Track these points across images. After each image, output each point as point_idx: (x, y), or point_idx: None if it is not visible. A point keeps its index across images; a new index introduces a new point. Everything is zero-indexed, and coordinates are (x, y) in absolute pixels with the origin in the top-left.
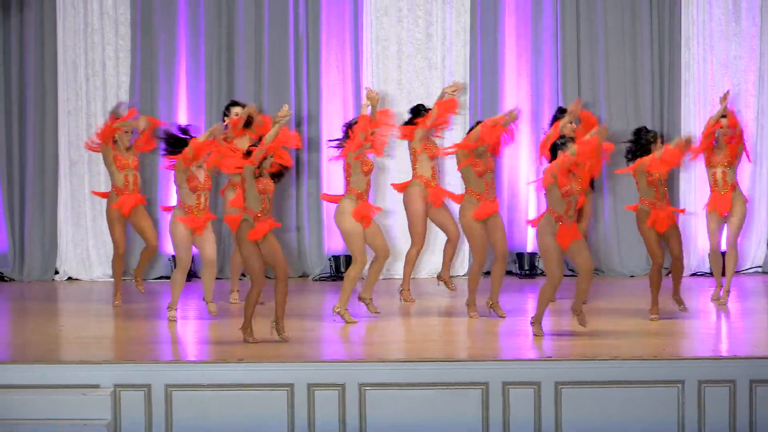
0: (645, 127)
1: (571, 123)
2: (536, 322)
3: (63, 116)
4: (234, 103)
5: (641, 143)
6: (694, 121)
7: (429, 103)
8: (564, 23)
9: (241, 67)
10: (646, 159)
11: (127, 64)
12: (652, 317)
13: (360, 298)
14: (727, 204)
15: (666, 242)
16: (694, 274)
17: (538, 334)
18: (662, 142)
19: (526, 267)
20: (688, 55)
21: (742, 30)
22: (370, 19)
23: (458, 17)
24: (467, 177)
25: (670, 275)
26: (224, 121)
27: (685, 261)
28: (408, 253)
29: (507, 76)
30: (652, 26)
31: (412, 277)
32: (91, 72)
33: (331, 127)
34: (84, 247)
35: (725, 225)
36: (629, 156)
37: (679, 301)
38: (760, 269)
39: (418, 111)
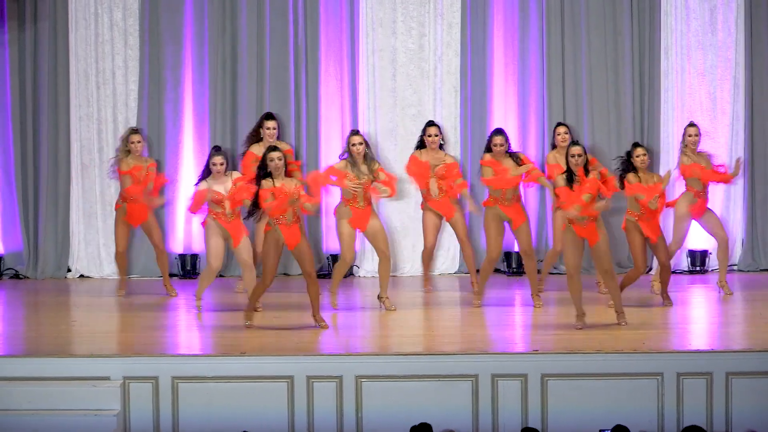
0: (636, 143)
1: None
2: (578, 316)
3: (75, 122)
4: (269, 116)
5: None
6: (672, 127)
7: (419, 108)
8: (549, 35)
9: (244, 76)
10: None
11: (136, 72)
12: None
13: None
14: (701, 210)
15: (653, 251)
16: (672, 272)
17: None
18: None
19: (513, 265)
20: (667, 64)
21: (718, 41)
22: (366, 31)
23: (449, 29)
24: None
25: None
26: (258, 132)
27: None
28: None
29: (495, 85)
30: (633, 37)
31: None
32: (102, 80)
33: (329, 133)
34: (95, 246)
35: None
36: (621, 172)
37: (666, 298)
38: (735, 267)
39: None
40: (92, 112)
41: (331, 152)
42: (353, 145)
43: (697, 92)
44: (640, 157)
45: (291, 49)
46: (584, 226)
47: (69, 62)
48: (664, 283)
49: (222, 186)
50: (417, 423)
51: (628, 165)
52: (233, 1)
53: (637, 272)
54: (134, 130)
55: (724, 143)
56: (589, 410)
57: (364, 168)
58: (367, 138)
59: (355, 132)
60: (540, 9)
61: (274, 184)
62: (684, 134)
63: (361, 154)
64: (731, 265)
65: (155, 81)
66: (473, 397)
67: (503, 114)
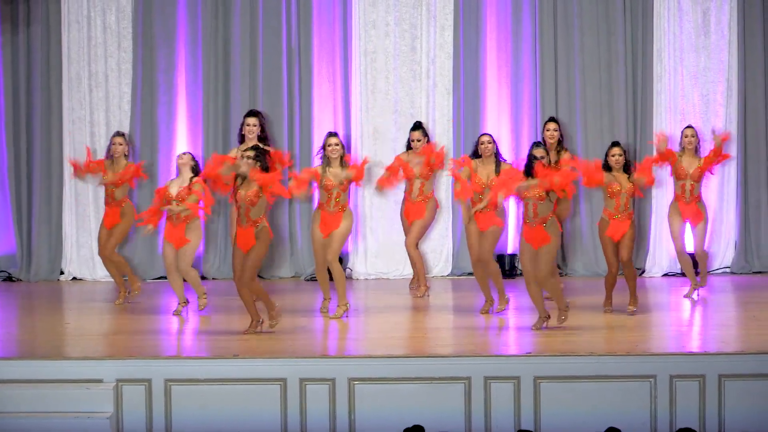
0: (614, 142)
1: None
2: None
3: (68, 125)
4: (249, 113)
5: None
6: (665, 130)
7: (412, 110)
8: (542, 37)
9: (236, 78)
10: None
11: (129, 75)
12: (606, 309)
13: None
14: (693, 214)
15: (617, 250)
16: (665, 275)
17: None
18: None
19: (506, 267)
20: (660, 67)
21: (711, 43)
22: (359, 33)
23: (442, 31)
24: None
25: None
26: (241, 130)
27: (657, 262)
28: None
29: (488, 87)
30: (626, 39)
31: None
32: (95, 83)
33: (322, 135)
34: (88, 248)
35: (689, 229)
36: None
37: (632, 303)
38: (728, 269)
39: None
40: (85, 114)
41: None
42: (329, 146)
43: (689, 94)
44: (615, 157)
45: (284, 51)
46: (533, 228)
47: (62, 65)
48: (630, 287)
49: (177, 186)
50: (410, 425)
51: (605, 164)
52: (226, 3)
53: (609, 274)
54: (117, 133)
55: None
56: (581, 413)
57: (337, 170)
58: (345, 141)
59: (332, 134)
60: (533, 11)
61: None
62: (681, 135)
63: (336, 156)
64: (725, 267)
65: (148, 84)
66: (466, 400)
67: (496, 116)
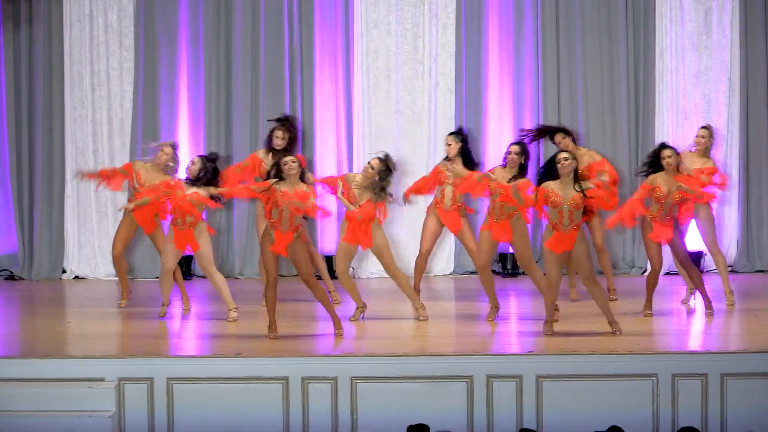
0: (663, 143)
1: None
2: (547, 322)
3: (69, 124)
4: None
5: (655, 159)
6: (667, 129)
7: (414, 109)
8: (544, 36)
9: (238, 77)
10: (657, 176)
11: (131, 74)
12: (645, 314)
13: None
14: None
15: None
16: (668, 273)
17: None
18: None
19: (509, 267)
20: (662, 66)
21: (713, 42)
22: (361, 32)
23: (444, 30)
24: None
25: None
26: (270, 141)
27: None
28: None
29: (490, 86)
30: (628, 38)
31: None
32: (97, 82)
33: (324, 135)
34: (90, 247)
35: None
36: (645, 169)
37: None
38: (730, 269)
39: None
40: (87, 113)
41: (325, 154)
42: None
43: (691, 94)
44: (666, 159)
45: (286, 50)
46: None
47: (63, 64)
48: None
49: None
50: (412, 424)
51: (655, 166)
52: (228, 2)
53: (653, 272)
54: (170, 144)
55: (718, 145)
56: (584, 411)
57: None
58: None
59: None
60: (535, 10)
61: (279, 188)
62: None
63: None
64: (726, 266)
65: (150, 82)
66: (468, 398)
67: (498, 116)
